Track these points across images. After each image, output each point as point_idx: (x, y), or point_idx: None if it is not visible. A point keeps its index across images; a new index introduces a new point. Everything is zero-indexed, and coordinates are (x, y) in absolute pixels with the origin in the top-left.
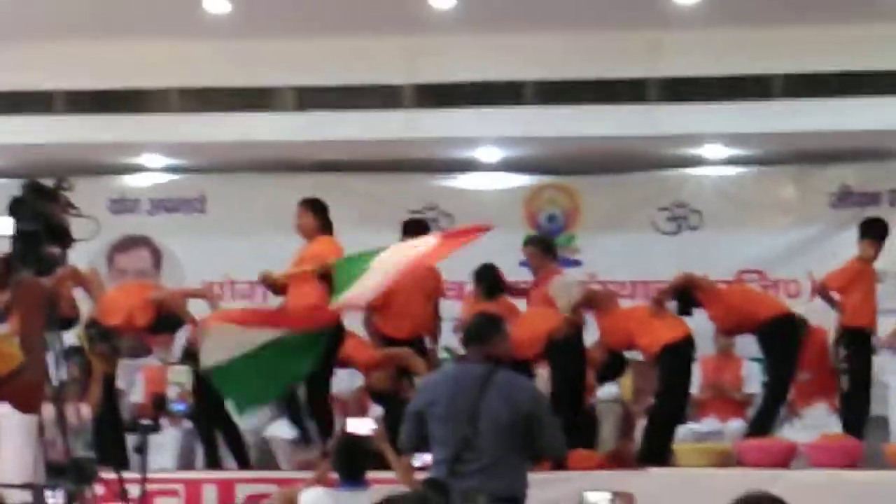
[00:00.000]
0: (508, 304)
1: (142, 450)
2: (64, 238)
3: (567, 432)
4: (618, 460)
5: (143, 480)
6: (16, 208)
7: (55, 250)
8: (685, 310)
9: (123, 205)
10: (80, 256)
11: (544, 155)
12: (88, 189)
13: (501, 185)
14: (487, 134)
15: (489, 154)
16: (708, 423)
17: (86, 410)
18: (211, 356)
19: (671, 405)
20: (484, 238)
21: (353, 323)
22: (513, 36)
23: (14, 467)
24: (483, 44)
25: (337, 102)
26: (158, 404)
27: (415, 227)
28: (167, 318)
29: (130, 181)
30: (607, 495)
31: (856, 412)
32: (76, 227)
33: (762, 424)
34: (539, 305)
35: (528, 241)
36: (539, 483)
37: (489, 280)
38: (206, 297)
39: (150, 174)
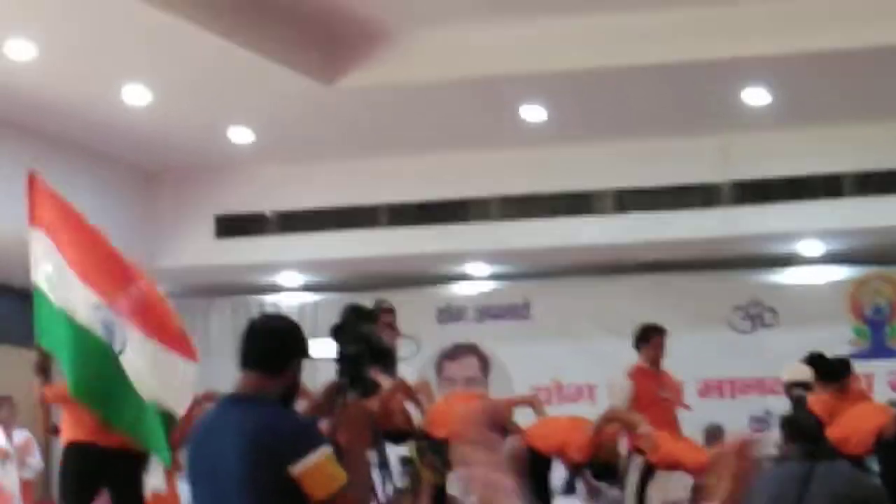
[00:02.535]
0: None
1: None
2: (387, 358)
3: None
4: None
5: None
6: (338, 332)
7: (379, 371)
8: None
9: (450, 314)
10: (410, 366)
11: (867, 246)
12: (415, 300)
13: (824, 278)
14: (807, 228)
15: (810, 248)
16: None
17: None
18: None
19: None
20: (810, 331)
21: None
22: (828, 128)
23: None
24: (799, 138)
25: (656, 203)
26: None
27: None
28: (493, 428)
29: (456, 290)
30: None
31: None
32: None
33: None
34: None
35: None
36: None
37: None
38: (532, 404)
39: (475, 283)
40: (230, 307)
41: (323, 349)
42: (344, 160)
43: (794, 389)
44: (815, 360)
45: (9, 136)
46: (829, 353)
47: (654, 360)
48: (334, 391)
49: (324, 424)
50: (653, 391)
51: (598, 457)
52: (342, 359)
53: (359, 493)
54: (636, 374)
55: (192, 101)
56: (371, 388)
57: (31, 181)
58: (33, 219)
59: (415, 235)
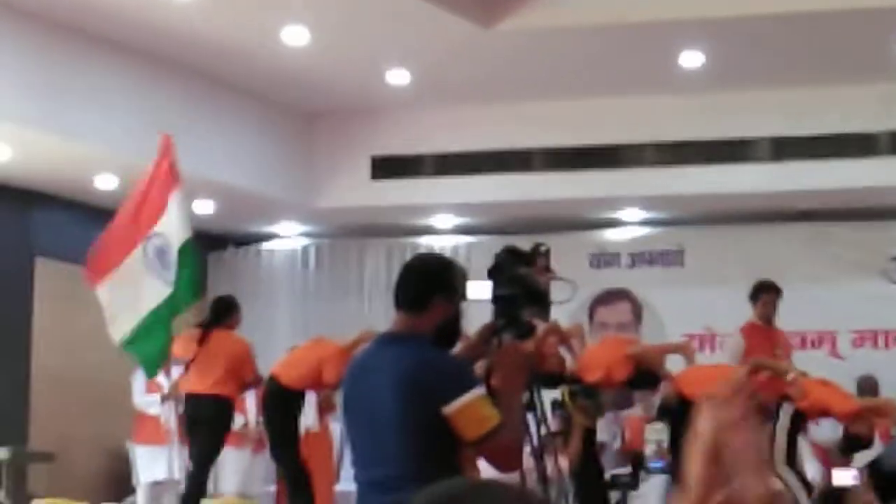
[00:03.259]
0: None
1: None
2: (542, 301)
3: None
4: None
5: None
6: (494, 274)
7: (534, 313)
8: None
9: (603, 259)
10: (562, 310)
11: None
12: (568, 244)
13: None
14: None
15: None
16: None
17: (565, 464)
18: (118, 327)
19: None
20: None
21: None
22: None
23: None
24: None
25: (812, 152)
26: (636, 461)
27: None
28: (645, 374)
29: (609, 235)
30: None
31: None
32: (554, 289)
33: None
34: None
35: None
36: None
37: None
38: (684, 352)
39: (629, 228)
40: (385, 249)
41: (478, 290)
42: (500, 104)
43: None
44: None
45: (164, 75)
46: None
47: (766, 318)
48: (489, 333)
49: (478, 366)
50: (765, 348)
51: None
52: (497, 300)
53: (511, 434)
54: (747, 331)
55: (350, 43)
56: (526, 331)
57: (168, 144)
58: (176, 181)
59: (569, 180)
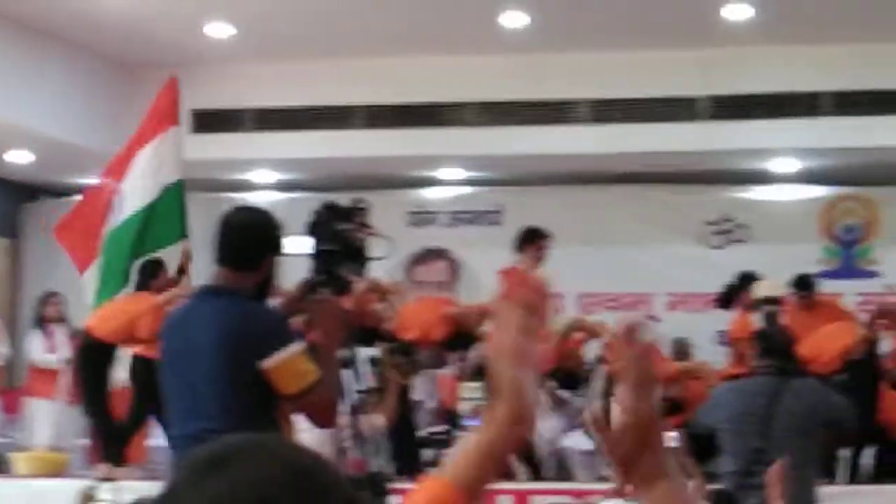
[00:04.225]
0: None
1: (437, 464)
2: (360, 257)
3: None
4: None
5: None
6: (314, 229)
7: (353, 270)
8: None
9: (421, 217)
10: (380, 268)
11: (841, 166)
12: (387, 202)
13: (797, 196)
14: (783, 145)
15: (785, 165)
16: None
17: (380, 421)
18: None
19: None
20: (780, 249)
21: None
22: (809, 46)
23: None
24: (779, 55)
25: (632, 115)
26: (450, 420)
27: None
28: (462, 335)
29: (428, 194)
30: None
31: None
32: (372, 246)
33: None
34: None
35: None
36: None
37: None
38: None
39: (448, 187)
40: (204, 203)
41: (297, 246)
42: (322, 60)
43: (766, 305)
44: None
45: None
46: (798, 270)
47: (537, 263)
48: (308, 288)
49: (296, 321)
50: None
51: (563, 366)
52: (316, 256)
53: (328, 390)
54: (511, 274)
55: None
56: (345, 287)
57: (173, 84)
58: (173, 119)
59: (389, 138)
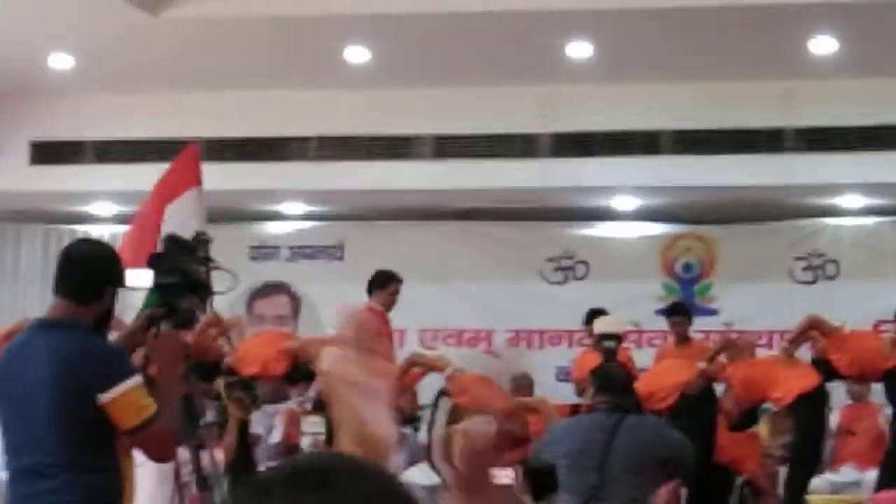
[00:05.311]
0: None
1: None
2: (202, 291)
3: (699, 488)
4: None
5: None
6: (156, 262)
7: (194, 304)
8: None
9: (263, 252)
10: (221, 301)
11: (681, 204)
12: (229, 236)
13: (638, 233)
14: (623, 183)
15: (626, 203)
16: (845, 473)
17: (220, 456)
18: None
19: (806, 456)
20: (620, 286)
21: None
22: (648, 85)
23: None
24: (619, 93)
25: (473, 151)
26: (293, 454)
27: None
28: (302, 368)
29: (270, 228)
30: None
31: None
32: (215, 279)
33: (889, 476)
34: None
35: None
36: None
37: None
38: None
39: (290, 222)
40: (42, 235)
41: (138, 279)
42: (164, 92)
43: (605, 341)
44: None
45: None
46: (638, 308)
47: (390, 306)
48: (148, 322)
49: (136, 355)
50: (383, 334)
51: (400, 402)
52: (158, 289)
53: (168, 424)
54: (371, 312)
55: (11, 24)
56: (186, 320)
57: (194, 151)
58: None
59: (231, 171)
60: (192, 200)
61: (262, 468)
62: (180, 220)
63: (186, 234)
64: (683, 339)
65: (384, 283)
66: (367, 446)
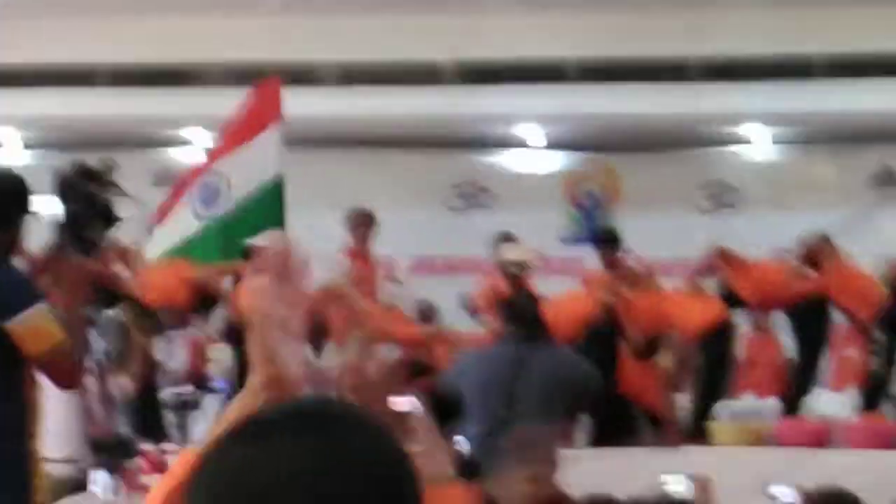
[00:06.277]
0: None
1: (183, 426)
2: (108, 218)
3: (602, 420)
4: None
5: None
6: (63, 190)
7: (100, 231)
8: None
9: (166, 178)
10: (125, 229)
11: (585, 133)
12: (131, 162)
13: (542, 162)
14: (528, 112)
15: (530, 132)
16: (746, 401)
17: (126, 384)
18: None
19: (709, 385)
20: (524, 214)
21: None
22: (555, 15)
23: (57, 442)
24: (525, 23)
25: (379, 78)
26: (199, 383)
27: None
28: (205, 297)
29: (174, 155)
30: (682, 478)
31: (879, 391)
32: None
33: (793, 403)
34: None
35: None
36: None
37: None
38: (243, 271)
39: (193, 148)
40: None
41: (44, 207)
42: (67, 18)
43: (513, 269)
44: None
45: None
46: (542, 236)
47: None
48: (55, 250)
49: (42, 282)
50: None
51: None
52: (65, 217)
53: (72, 352)
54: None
55: None
56: (91, 248)
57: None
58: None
59: (135, 97)
60: (272, 138)
61: (164, 393)
62: (259, 158)
63: (265, 175)
64: (612, 266)
65: (364, 223)
66: (276, 385)
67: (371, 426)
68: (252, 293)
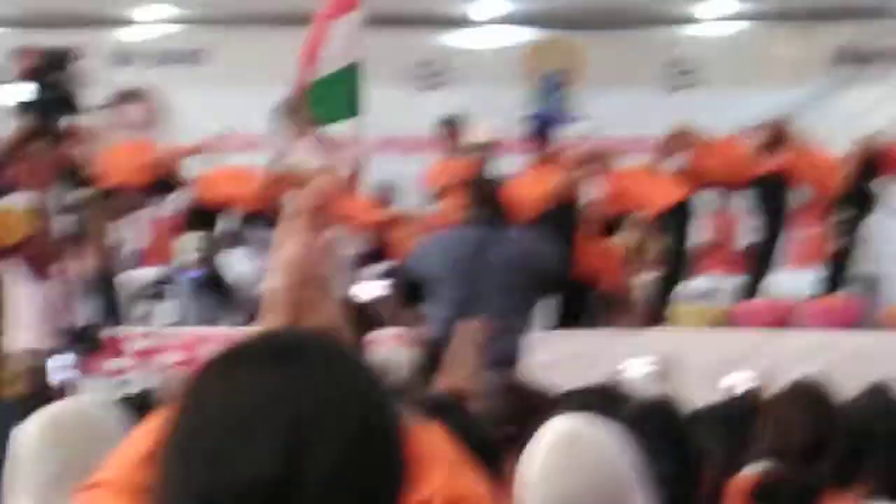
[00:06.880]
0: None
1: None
2: (73, 104)
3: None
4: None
5: (147, 336)
6: (30, 76)
7: (65, 116)
8: None
9: (123, 58)
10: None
11: (545, 9)
12: (88, 41)
13: (501, 39)
14: None
15: (490, 7)
16: (707, 280)
17: (86, 268)
18: None
19: (671, 266)
20: (486, 92)
21: None
22: None
23: (26, 333)
24: None
25: None
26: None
27: None
28: (164, 180)
29: (130, 33)
30: (649, 360)
31: (842, 270)
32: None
33: (753, 284)
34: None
35: None
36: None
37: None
38: (205, 151)
39: (151, 26)
40: None
41: (11, 94)
42: None
43: (479, 151)
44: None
45: None
46: (503, 115)
47: None
48: (23, 136)
49: (11, 170)
50: None
51: (269, 207)
52: (32, 104)
53: (45, 241)
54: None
55: None
56: (59, 135)
57: None
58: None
59: None
60: (351, 25)
61: (122, 276)
62: (340, 43)
63: (344, 60)
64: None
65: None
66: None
67: (346, 358)
68: (289, 251)
